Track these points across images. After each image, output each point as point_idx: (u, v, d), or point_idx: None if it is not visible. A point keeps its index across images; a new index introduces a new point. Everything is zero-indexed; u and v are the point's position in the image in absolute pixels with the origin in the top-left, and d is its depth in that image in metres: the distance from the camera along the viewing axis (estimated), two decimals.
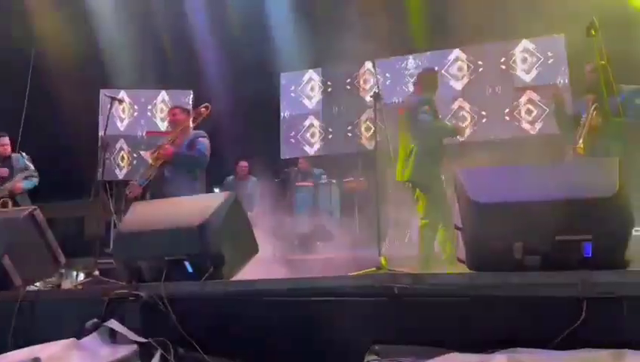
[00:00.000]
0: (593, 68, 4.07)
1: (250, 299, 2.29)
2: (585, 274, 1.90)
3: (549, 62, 8.62)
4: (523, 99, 8.69)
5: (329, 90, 9.64)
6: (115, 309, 2.48)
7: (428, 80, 4.64)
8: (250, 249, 2.78)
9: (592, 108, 4.12)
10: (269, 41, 8.88)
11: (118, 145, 9.67)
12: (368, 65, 9.42)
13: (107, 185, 9.13)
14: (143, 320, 2.41)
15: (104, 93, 4.51)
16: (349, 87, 9.51)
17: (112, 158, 9.54)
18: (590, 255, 1.97)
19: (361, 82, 9.42)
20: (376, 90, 3.46)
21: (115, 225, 9.24)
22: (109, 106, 4.50)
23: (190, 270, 2.55)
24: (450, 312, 2.04)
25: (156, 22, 8.75)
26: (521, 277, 1.96)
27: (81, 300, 2.67)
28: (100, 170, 4.42)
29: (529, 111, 8.62)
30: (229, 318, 2.34)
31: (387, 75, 9.30)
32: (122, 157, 9.75)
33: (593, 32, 3.29)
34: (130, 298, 2.44)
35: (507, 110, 8.71)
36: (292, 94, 9.88)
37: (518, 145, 8.16)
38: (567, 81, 8.40)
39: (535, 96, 8.63)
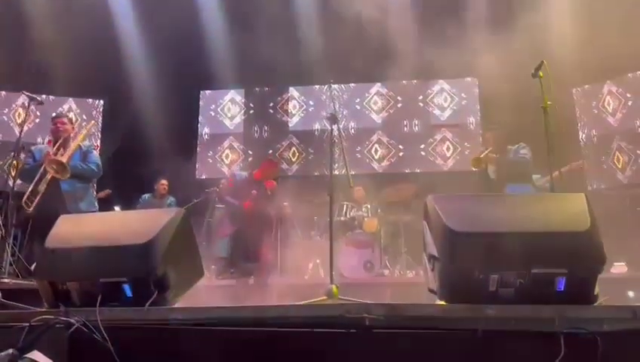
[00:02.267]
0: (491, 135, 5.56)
1: (204, 328, 2.04)
2: (561, 309, 1.89)
3: (463, 102, 9.12)
4: (438, 137, 9.07)
5: (251, 111, 9.48)
6: (36, 338, 2.11)
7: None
8: (196, 272, 2.52)
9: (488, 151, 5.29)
10: (196, 56, 8.57)
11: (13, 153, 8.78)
12: (292, 91, 9.42)
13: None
14: (71, 351, 2.07)
15: (23, 93, 4.03)
16: (271, 110, 9.42)
17: (5, 167, 8.67)
18: (562, 289, 1.97)
19: (287, 107, 9.38)
20: (333, 112, 3.37)
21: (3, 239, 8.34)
22: (27, 106, 4.00)
23: (129, 294, 2.24)
24: (424, 346, 1.94)
25: (76, 23, 8.11)
26: (499, 310, 1.91)
27: None
28: (12, 177, 3.90)
29: (443, 148, 9.01)
30: (178, 351, 2.07)
31: (310, 102, 9.35)
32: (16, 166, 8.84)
33: (541, 74, 3.46)
34: (58, 325, 2.08)
35: (423, 145, 9.04)
36: (211, 113, 9.60)
37: (432, 180, 8.49)
38: (478, 121, 8.92)
39: (449, 135, 9.06)
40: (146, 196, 7.36)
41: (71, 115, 8.49)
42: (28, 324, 2.10)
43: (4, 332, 2.13)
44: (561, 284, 1.97)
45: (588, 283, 1.97)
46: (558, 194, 2.66)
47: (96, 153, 5.05)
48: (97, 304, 2.12)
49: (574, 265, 1.95)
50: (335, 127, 3.25)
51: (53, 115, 5.21)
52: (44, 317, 2.10)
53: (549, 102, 3.41)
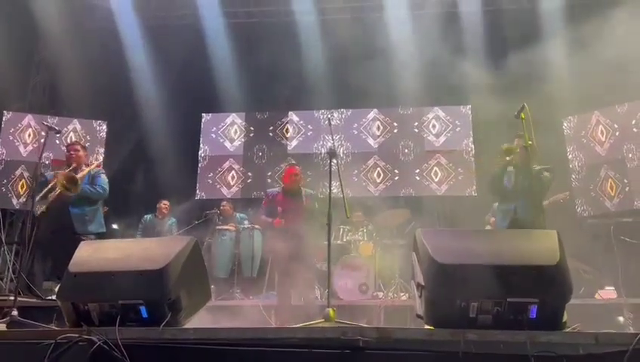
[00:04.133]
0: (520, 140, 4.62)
1: (212, 347, 2.27)
2: (532, 334, 2.13)
3: (457, 129, 9.41)
4: (432, 162, 9.34)
5: (251, 134, 9.75)
6: (59, 356, 2.32)
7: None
8: (204, 295, 2.75)
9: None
10: (199, 80, 8.89)
11: (18, 172, 9.03)
12: (292, 115, 9.71)
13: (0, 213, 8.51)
14: None
15: (42, 122, 4.24)
16: (271, 134, 9.68)
17: (9, 185, 8.89)
18: (535, 316, 2.21)
19: (284, 131, 9.65)
20: (332, 147, 3.62)
21: (6, 254, 8.54)
22: (43, 135, 4.21)
23: (145, 315, 2.47)
24: None
25: (83, 45, 8.42)
26: (478, 335, 2.15)
27: (16, 344, 2.46)
28: (31, 199, 4.06)
29: (437, 173, 9.28)
30: None
31: (309, 126, 9.63)
32: (22, 185, 9.08)
33: (522, 116, 3.73)
34: (81, 342, 2.30)
35: (418, 170, 9.30)
36: (212, 135, 9.86)
37: (426, 204, 8.75)
38: (472, 147, 9.20)
39: (443, 160, 9.33)
40: (148, 217, 7.58)
41: (72, 136, 8.76)
42: (54, 341, 2.32)
43: (32, 348, 2.35)
44: (533, 312, 2.21)
45: (557, 311, 2.21)
46: (533, 231, 2.91)
47: (104, 176, 5.19)
48: (117, 324, 2.34)
49: (545, 295, 2.19)
50: (334, 160, 3.51)
51: (68, 141, 5.38)
52: (68, 335, 2.32)
53: (530, 142, 3.69)
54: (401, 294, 6.45)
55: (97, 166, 5.23)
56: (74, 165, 4.97)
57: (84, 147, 5.30)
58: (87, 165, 5.11)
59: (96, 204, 5.16)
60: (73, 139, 8.71)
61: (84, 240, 4.12)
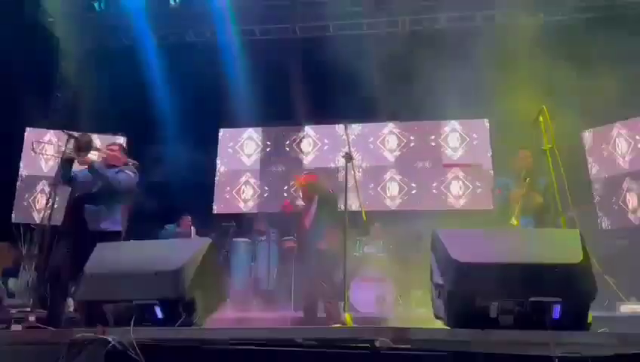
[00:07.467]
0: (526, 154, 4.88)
1: (228, 348, 2.23)
2: (556, 335, 2.06)
3: (474, 143, 9.33)
4: (450, 175, 9.26)
5: (268, 149, 9.79)
6: (75, 356, 2.31)
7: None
8: (220, 297, 2.73)
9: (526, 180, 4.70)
10: (217, 96, 8.99)
11: (38, 187, 9.17)
12: (308, 129, 9.74)
13: (21, 228, 8.63)
14: None
15: (62, 131, 4.23)
16: (287, 148, 9.72)
17: (30, 200, 9.03)
18: (558, 316, 2.14)
19: (301, 145, 9.68)
20: (348, 152, 3.61)
21: (25, 269, 8.63)
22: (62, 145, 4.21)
23: (160, 315, 2.45)
24: None
25: (105, 64, 8.60)
26: (499, 335, 2.08)
27: (34, 344, 2.46)
28: (48, 213, 3.95)
29: (455, 187, 9.19)
30: None
31: (325, 140, 9.64)
32: (38, 201, 9.21)
33: (541, 119, 3.68)
34: (96, 342, 2.29)
35: (435, 184, 9.22)
36: (229, 150, 9.92)
37: (443, 218, 8.64)
38: (490, 161, 9.10)
39: (461, 174, 9.24)
40: (170, 226, 7.65)
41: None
42: (69, 342, 2.31)
43: (48, 348, 2.34)
44: (556, 312, 2.13)
45: (581, 311, 2.14)
46: (555, 230, 2.84)
47: (129, 173, 4.60)
48: (131, 324, 2.32)
49: (569, 294, 2.12)
50: (350, 165, 3.49)
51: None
52: (83, 335, 2.31)
53: (549, 145, 3.63)
54: (418, 307, 6.35)
55: (133, 165, 4.82)
56: (109, 163, 4.62)
57: (123, 148, 4.94)
58: (126, 164, 4.68)
59: (113, 202, 4.53)
60: (95, 153, 8.80)
61: (98, 237, 4.02)
